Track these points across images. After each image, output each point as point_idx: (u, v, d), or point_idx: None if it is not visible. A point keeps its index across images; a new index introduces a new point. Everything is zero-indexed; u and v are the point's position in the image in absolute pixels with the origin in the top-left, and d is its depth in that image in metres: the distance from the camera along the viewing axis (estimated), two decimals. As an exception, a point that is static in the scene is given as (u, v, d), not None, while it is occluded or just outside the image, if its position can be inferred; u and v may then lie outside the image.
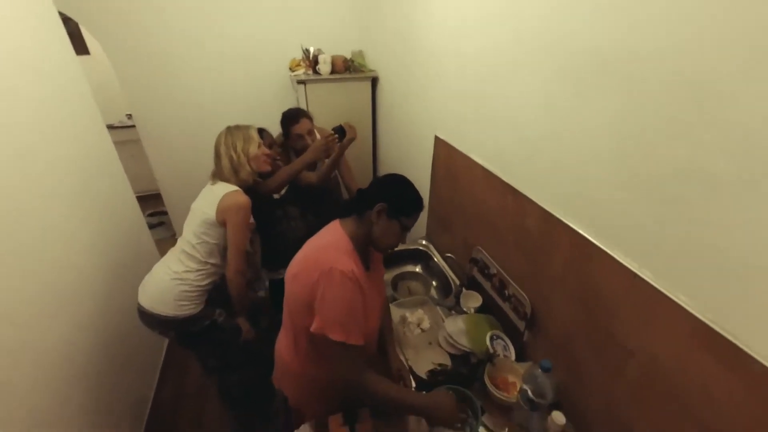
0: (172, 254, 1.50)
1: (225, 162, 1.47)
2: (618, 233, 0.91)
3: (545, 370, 0.95)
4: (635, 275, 0.85)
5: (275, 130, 1.95)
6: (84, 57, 3.42)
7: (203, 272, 1.46)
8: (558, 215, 1.08)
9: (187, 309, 1.45)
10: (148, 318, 1.46)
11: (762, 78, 0.60)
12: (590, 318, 1.01)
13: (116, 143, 2.04)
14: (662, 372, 0.82)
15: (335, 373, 0.94)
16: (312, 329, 0.91)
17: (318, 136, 1.91)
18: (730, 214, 0.67)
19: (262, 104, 2.86)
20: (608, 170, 0.91)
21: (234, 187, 1.46)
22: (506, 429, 1.07)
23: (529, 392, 0.97)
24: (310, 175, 1.85)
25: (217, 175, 1.50)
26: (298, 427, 1.04)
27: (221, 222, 1.42)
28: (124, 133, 3.45)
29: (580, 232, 1.01)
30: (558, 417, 1.04)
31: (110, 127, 2.47)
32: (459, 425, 0.98)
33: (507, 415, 1.10)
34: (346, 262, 0.93)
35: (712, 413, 0.72)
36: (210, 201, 1.43)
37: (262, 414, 1.86)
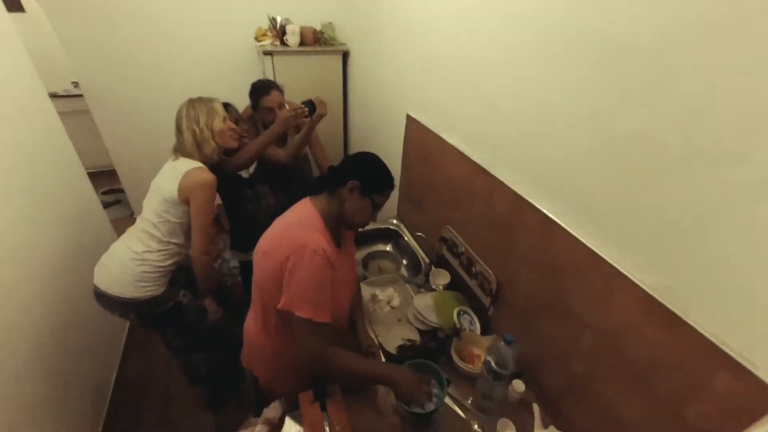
0: (132, 233, 1.42)
1: (187, 136, 1.38)
2: (581, 213, 0.95)
3: (507, 342, 0.99)
4: (595, 254, 0.90)
5: (241, 104, 1.85)
6: (18, 15, 3.05)
7: (165, 252, 1.40)
8: (525, 196, 1.11)
9: (148, 290, 1.39)
10: (106, 300, 1.39)
11: (703, 54, 0.64)
12: (551, 294, 1.06)
13: (61, 114, 1.86)
14: (615, 342, 0.88)
15: (301, 349, 0.95)
16: (279, 306, 0.91)
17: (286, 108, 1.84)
18: (678, 183, 0.71)
19: (225, 75, 2.71)
20: (570, 146, 0.94)
21: (197, 164, 1.38)
22: (470, 398, 1.13)
23: (492, 363, 1.01)
24: (279, 153, 1.79)
25: (179, 151, 1.41)
26: (268, 406, 1.04)
27: (184, 200, 1.34)
28: (70, 102, 3.15)
29: (546, 212, 1.04)
30: (518, 385, 1.11)
31: (54, 96, 2.25)
32: (422, 398, 1.01)
33: (472, 385, 1.15)
34: (317, 239, 0.92)
35: (658, 377, 0.79)
36: (171, 178, 1.35)
37: (231, 393, 1.85)
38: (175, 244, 1.41)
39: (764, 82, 0.57)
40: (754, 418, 0.63)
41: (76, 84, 3.13)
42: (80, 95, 2.55)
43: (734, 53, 0.60)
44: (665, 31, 0.69)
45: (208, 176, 1.36)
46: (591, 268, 0.92)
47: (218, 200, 1.50)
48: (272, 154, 1.76)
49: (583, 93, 0.89)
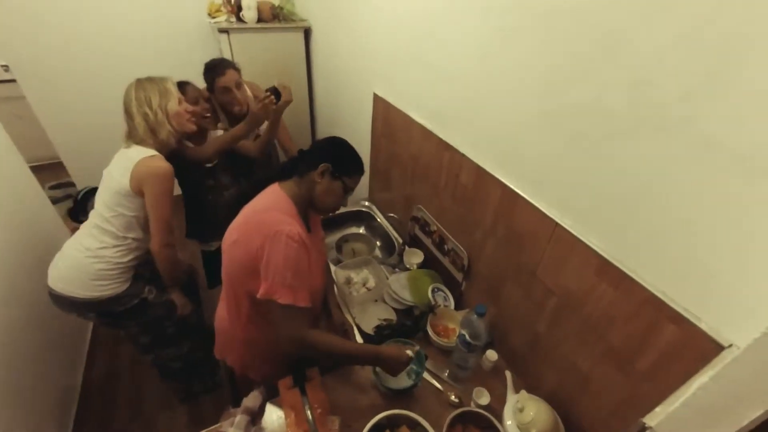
0: (85, 229, 1.33)
1: (139, 121, 1.27)
2: (537, 183, 0.99)
3: (479, 314, 1.03)
4: (557, 224, 0.94)
5: (198, 84, 1.74)
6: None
7: (122, 248, 1.32)
8: (487, 168, 1.14)
9: (107, 289, 1.31)
10: (62, 301, 1.31)
11: (652, 23, 0.66)
12: (518, 263, 1.11)
13: (-8, 101, 1.69)
14: (575, 304, 0.94)
15: (281, 335, 0.93)
16: (259, 295, 0.89)
17: (248, 90, 1.74)
18: (627, 149, 0.75)
19: (176, 54, 2.53)
20: (521, 115, 0.98)
21: (151, 152, 1.28)
22: (447, 371, 1.18)
23: (466, 336, 1.05)
24: (250, 147, 1.71)
25: (132, 137, 1.30)
26: (246, 396, 1.03)
27: (137, 191, 1.25)
28: (1, 88, 2.86)
29: (509, 185, 1.07)
30: (491, 354, 1.16)
31: (-21, 80, 2.02)
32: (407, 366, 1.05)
33: (448, 358, 1.20)
34: (291, 223, 0.91)
35: (613, 331, 0.85)
36: (122, 168, 1.24)
37: (206, 385, 1.83)
38: (132, 238, 1.33)
39: (703, 47, 0.60)
40: (698, 366, 0.69)
41: (6, 67, 2.82)
42: (12, 80, 2.31)
43: (677, 23, 0.63)
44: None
45: (163, 165, 1.26)
46: (549, 234, 0.97)
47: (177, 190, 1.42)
48: (243, 148, 1.68)
49: (532, 64, 0.91)
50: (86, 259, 1.27)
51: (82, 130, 2.48)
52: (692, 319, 0.69)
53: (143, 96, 1.28)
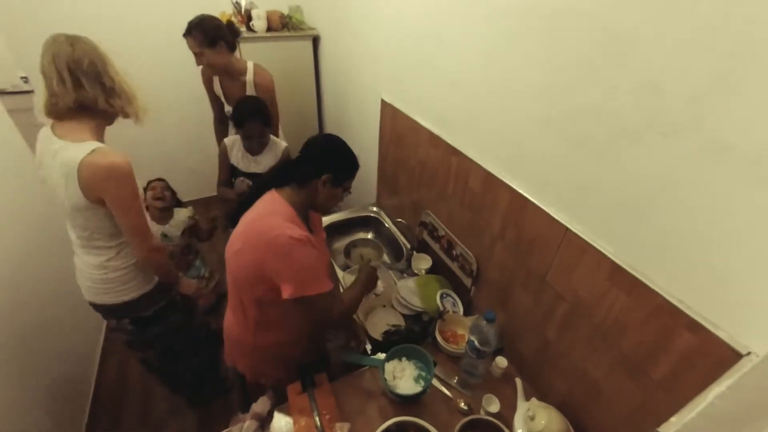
0: (78, 249, 1.20)
1: (94, 92, 1.03)
2: (551, 188, 0.98)
3: (489, 320, 1.02)
4: (567, 228, 0.93)
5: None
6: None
7: (126, 250, 1.19)
8: (497, 174, 1.13)
9: (134, 289, 1.22)
10: (100, 310, 1.26)
11: (660, 32, 0.65)
12: (527, 269, 1.09)
13: (11, 112, 1.73)
14: (586, 310, 0.92)
15: (325, 319, 1.08)
16: (285, 296, 0.91)
17: (210, 60, 1.73)
18: (636, 153, 0.74)
19: (189, 65, 2.57)
20: (536, 120, 0.97)
21: (90, 146, 0.99)
22: (456, 377, 1.16)
23: (476, 342, 1.04)
24: (230, 194, 1.76)
25: (63, 113, 1.03)
26: (256, 401, 1.04)
27: (97, 200, 1.03)
28: (22, 100, 2.94)
29: (518, 189, 1.06)
30: (501, 361, 1.14)
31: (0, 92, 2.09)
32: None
33: (457, 365, 1.18)
34: (291, 227, 0.92)
35: (626, 337, 0.84)
36: (63, 177, 1.00)
37: (216, 392, 1.82)
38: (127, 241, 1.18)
39: (708, 51, 0.60)
40: (715, 374, 0.67)
41: (26, 79, 2.91)
42: (31, 91, 2.38)
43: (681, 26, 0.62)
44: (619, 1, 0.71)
45: (115, 160, 1.00)
46: (560, 239, 0.95)
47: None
48: (223, 195, 1.77)
49: (538, 67, 0.91)
50: (100, 274, 1.19)
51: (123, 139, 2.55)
52: (709, 326, 0.67)
53: (85, 58, 1.03)
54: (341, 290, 1.29)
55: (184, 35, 1.66)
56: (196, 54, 1.70)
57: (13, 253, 1.49)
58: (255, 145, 1.69)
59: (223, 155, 1.77)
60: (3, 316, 1.35)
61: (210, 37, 1.66)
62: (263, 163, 1.76)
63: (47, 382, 1.50)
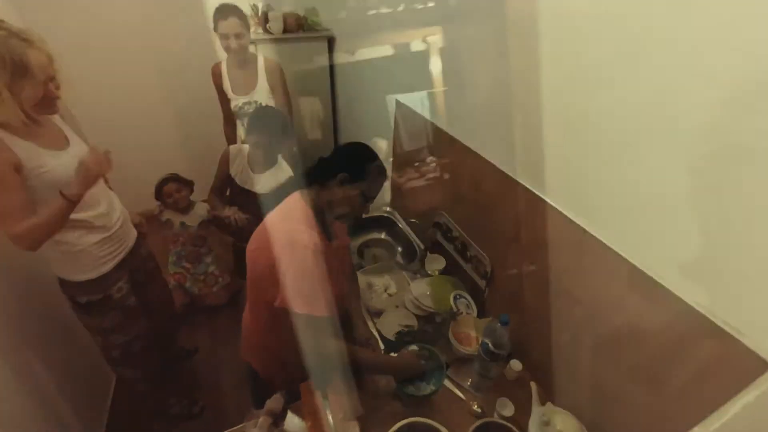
0: None
1: None
2: (567, 190, 0.96)
3: (503, 323, 1.01)
4: (584, 231, 0.91)
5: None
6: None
7: (76, 229, 1.15)
8: (513, 175, 1.12)
9: (73, 272, 1.19)
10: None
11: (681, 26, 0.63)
12: (542, 271, 1.07)
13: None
14: (602, 314, 0.90)
15: (303, 345, 0.94)
16: (276, 304, 0.90)
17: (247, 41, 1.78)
18: (655, 156, 0.72)
19: (207, 66, 2.64)
20: (551, 121, 0.95)
21: None
22: (469, 380, 1.15)
23: (490, 345, 1.03)
24: (218, 207, 1.75)
25: None
26: (269, 398, 1.05)
27: None
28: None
29: (534, 190, 1.05)
30: (515, 364, 1.13)
31: None
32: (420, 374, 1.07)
33: (470, 367, 1.17)
34: (306, 232, 0.91)
35: (644, 343, 0.81)
36: None
37: (182, 407, 1.78)
38: (75, 219, 1.12)
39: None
40: (740, 384, 0.64)
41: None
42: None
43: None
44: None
45: None
46: (576, 241, 0.93)
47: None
48: (214, 208, 1.76)
49: (552, 67, 0.89)
50: (51, 243, 1.12)
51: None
52: (733, 333, 0.64)
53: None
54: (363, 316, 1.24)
55: (226, 17, 1.69)
56: (236, 35, 1.72)
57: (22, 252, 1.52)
58: (259, 158, 1.65)
59: (224, 161, 1.72)
60: (33, 308, 1.40)
61: (246, 19, 1.75)
62: (260, 183, 1.68)
63: (72, 373, 1.55)
